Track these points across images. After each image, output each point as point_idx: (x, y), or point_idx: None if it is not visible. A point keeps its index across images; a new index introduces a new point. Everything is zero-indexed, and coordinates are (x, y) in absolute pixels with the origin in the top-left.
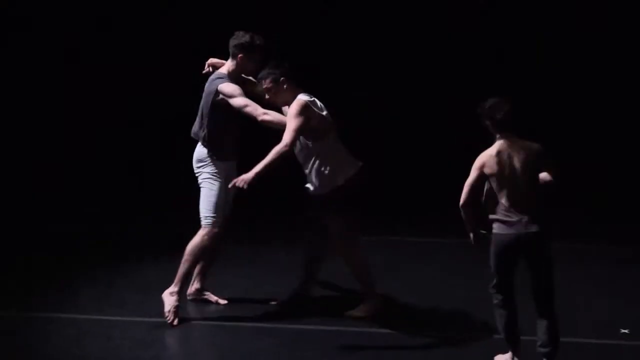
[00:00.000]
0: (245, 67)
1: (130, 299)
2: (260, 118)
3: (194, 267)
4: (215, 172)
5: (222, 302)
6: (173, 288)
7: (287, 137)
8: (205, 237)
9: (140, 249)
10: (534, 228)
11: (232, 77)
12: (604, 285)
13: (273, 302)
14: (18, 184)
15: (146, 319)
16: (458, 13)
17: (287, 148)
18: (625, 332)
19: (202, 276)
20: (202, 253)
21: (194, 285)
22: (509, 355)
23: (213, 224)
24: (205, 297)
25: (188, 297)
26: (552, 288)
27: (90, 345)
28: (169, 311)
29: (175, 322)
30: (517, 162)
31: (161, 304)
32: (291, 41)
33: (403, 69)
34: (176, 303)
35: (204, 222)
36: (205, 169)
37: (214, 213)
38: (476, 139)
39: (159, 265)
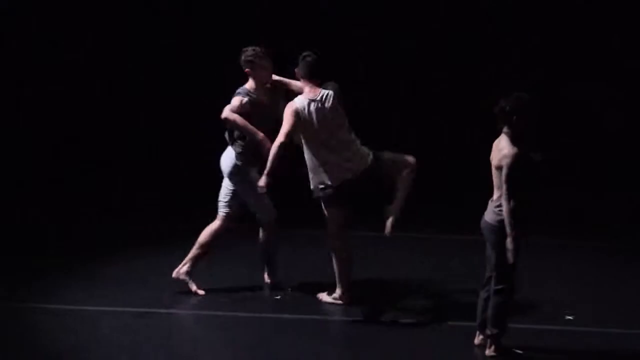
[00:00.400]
0: (259, 76)
1: (112, 291)
2: (223, 116)
3: (206, 252)
4: (241, 175)
5: (200, 292)
6: (185, 268)
7: (279, 135)
8: (221, 226)
9: (122, 244)
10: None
11: (256, 89)
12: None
13: (277, 297)
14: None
15: (127, 309)
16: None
17: (278, 144)
18: (569, 319)
19: (194, 262)
20: (214, 239)
21: (184, 268)
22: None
23: (227, 216)
24: (187, 282)
25: (173, 276)
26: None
27: (73, 335)
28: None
29: (194, 288)
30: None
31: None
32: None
33: (394, 69)
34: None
35: (221, 212)
36: (232, 170)
37: (228, 208)
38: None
39: (141, 259)
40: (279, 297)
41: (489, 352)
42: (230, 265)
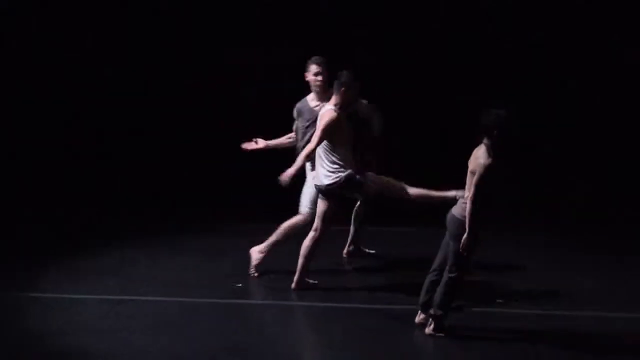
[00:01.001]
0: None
1: (91, 280)
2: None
3: (284, 241)
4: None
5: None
6: (263, 248)
7: (315, 140)
8: (301, 220)
9: (103, 236)
10: None
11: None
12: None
13: (238, 285)
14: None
15: (106, 297)
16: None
17: (313, 147)
18: (500, 302)
19: (270, 248)
20: (293, 232)
21: (261, 247)
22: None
23: (309, 214)
24: (254, 261)
25: (250, 251)
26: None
27: (55, 321)
28: (254, 265)
29: (257, 274)
30: None
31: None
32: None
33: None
34: (258, 261)
35: (303, 210)
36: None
37: (311, 205)
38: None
39: (119, 251)
40: (240, 284)
41: (428, 330)
42: (200, 256)
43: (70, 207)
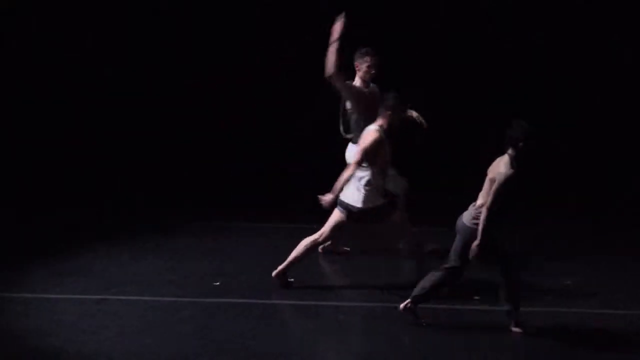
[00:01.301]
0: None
1: (74, 279)
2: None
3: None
4: None
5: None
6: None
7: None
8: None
9: (87, 236)
10: None
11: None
12: None
13: (216, 283)
14: None
15: (86, 297)
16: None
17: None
18: (476, 299)
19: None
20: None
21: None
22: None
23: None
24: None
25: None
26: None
27: (37, 320)
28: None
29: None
30: None
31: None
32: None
33: None
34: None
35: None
36: None
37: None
38: None
39: (102, 250)
40: (218, 283)
41: (402, 306)
42: (179, 257)
43: (56, 206)
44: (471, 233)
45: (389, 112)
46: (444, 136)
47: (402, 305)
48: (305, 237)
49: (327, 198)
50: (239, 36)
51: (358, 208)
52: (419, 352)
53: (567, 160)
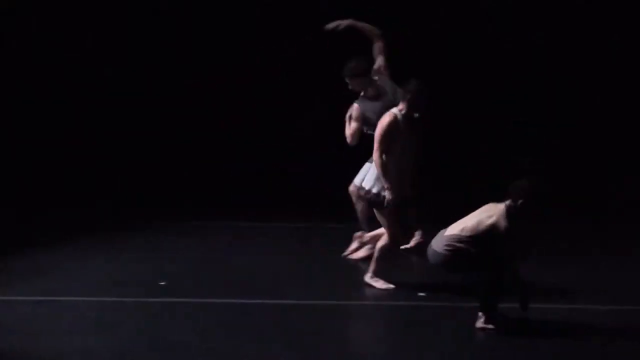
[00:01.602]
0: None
1: (20, 280)
2: None
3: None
4: None
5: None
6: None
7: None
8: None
9: (27, 238)
10: None
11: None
12: None
13: (162, 283)
14: None
15: (27, 298)
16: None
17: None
18: (422, 295)
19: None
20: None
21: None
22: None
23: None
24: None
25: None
26: None
27: None
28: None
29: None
30: None
31: None
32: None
33: None
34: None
35: None
36: None
37: None
38: None
39: (50, 251)
40: (163, 283)
41: (479, 324)
42: (127, 257)
43: (25, 206)
44: (444, 257)
45: (409, 96)
46: (443, 136)
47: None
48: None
49: (389, 201)
50: (239, 36)
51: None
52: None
53: (567, 160)
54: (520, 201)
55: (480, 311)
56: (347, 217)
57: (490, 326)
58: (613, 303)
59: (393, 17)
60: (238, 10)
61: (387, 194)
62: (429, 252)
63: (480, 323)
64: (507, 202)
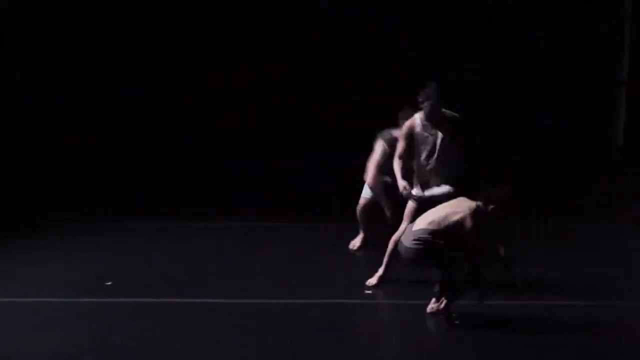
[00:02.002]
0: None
1: None
2: None
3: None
4: None
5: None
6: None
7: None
8: None
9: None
10: None
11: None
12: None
13: (108, 283)
14: None
15: None
16: None
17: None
18: (368, 292)
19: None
20: None
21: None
22: None
23: None
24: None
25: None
26: None
27: None
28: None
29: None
30: None
31: None
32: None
33: None
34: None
35: None
36: None
37: None
38: None
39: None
40: (109, 283)
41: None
42: (76, 257)
43: None
44: (414, 252)
45: (424, 104)
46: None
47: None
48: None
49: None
50: (239, 36)
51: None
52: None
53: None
54: (491, 207)
55: (446, 298)
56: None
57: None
58: (582, 299)
59: (392, 17)
60: (238, 10)
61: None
62: (400, 248)
63: (432, 307)
64: (479, 202)
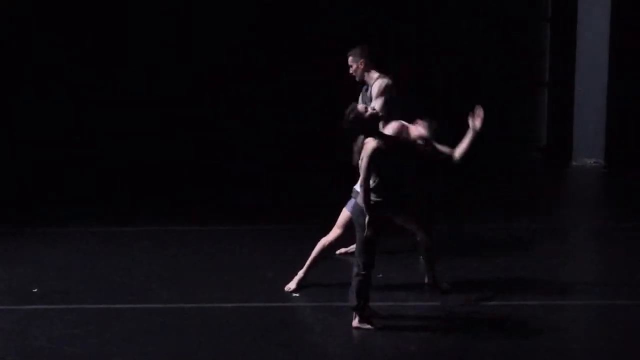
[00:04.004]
0: None
1: None
2: None
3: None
4: None
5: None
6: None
7: None
8: None
9: None
10: None
11: None
12: None
13: (34, 290)
14: None
15: None
16: None
17: None
18: (295, 295)
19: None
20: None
21: None
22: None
23: None
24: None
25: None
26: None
27: None
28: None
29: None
30: None
31: None
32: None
33: None
34: None
35: None
36: None
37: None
38: None
39: None
40: (35, 290)
41: (354, 323)
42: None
43: None
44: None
45: None
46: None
47: (353, 324)
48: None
49: None
50: (239, 36)
51: None
52: None
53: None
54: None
55: (354, 311)
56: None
57: (366, 325)
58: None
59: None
60: (238, 10)
61: None
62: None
63: (355, 322)
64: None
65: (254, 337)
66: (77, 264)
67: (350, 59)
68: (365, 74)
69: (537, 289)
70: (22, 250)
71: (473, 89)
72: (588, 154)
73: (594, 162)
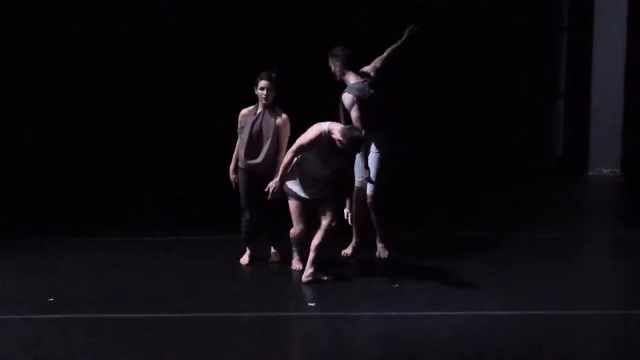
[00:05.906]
0: None
1: None
2: None
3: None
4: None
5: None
6: None
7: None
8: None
9: None
10: None
11: None
12: None
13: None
14: None
15: None
16: None
17: None
18: (311, 305)
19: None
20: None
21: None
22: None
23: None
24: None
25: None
26: None
27: None
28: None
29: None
30: None
31: None
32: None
33: None
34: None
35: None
36: None
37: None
38: None
39: None
40: (52, 299)
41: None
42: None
43: None
44: None
45: None
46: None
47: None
48: None
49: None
50: (238, 36)
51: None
52: None
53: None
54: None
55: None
56: None
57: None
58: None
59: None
60: (238, 10)
61: None
62: None
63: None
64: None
65: (271, 346)
66: (93, 274)
67: (329, 60)
68: (343, 76)
69: (552, 298)
70: (38, 260)
71: (489, 98)
72: (604, 164)
73: (610, 172)
